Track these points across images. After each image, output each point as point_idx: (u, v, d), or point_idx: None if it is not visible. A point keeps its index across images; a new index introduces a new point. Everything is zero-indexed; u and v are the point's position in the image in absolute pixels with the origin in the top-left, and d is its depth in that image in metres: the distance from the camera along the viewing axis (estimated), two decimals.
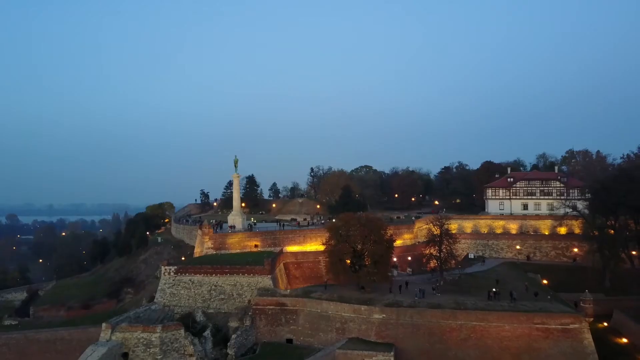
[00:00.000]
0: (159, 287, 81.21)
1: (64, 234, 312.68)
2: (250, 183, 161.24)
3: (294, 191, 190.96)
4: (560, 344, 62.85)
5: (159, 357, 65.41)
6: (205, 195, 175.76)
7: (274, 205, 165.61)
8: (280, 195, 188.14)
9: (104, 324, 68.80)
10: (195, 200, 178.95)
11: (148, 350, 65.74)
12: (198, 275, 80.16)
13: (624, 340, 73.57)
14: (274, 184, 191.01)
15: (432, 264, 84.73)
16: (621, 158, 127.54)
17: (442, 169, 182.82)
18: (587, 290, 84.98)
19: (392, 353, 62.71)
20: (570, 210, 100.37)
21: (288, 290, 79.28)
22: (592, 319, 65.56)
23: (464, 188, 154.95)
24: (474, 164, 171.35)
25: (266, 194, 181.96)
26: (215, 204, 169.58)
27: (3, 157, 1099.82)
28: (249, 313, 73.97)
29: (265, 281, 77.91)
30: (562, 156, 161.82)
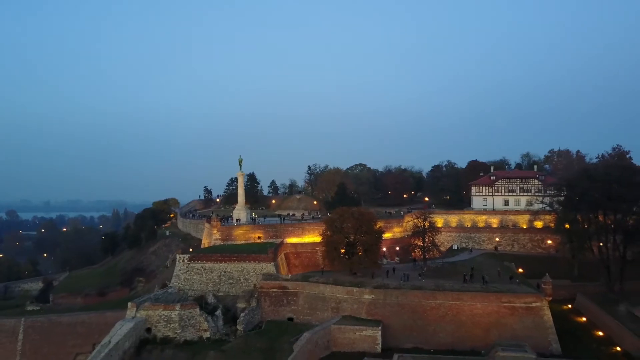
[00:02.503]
0: (174, 273, 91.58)
1: (65, 229, 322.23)
2: (251, 180, 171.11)
3: (292, 188, 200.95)
4: (524, 320, 73.58)
5: (178, 331, 76.04)
6: (208, 191, 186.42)
7: (273, 201, 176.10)
8: (278, 191, 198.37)
9: (129, 303, 79.21)
10: (199, 196, 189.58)
11: (168, 325, 76.36)
12: (209, 262, 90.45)
13: (583, 319, 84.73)
14: (273, 181, 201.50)
15: (417, 253, 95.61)
16: (597, 158, 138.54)
17: (433, 167, 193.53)
18: (558, 277, 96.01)
19: (380, 328, 73.09)
20: (545, 205, 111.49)
21: (289, 276, 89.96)
22: (550, 298, 76.02)
23: (452, 185, 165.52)
24: (462, 162, 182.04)
25: (266, 191, 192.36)
26: (218, 200, 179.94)
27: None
28: (255, 295, 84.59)
29: (269, 267, 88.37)
30: (544, 155, 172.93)
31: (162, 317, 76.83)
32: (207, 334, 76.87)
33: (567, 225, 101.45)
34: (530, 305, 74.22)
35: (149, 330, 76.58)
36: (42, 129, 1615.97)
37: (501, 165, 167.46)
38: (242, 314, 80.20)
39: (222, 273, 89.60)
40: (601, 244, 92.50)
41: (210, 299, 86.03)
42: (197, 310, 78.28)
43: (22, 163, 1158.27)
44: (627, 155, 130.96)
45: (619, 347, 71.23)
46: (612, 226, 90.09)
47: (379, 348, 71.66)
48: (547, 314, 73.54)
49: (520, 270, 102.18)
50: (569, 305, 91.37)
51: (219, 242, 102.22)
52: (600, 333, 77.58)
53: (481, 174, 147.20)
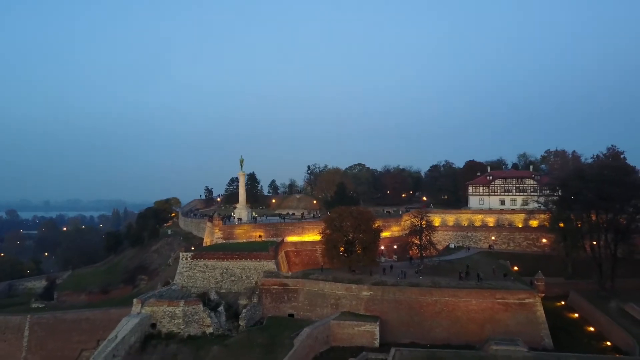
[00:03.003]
0: (178, 271, 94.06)
1: (65, 228, 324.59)
2: (251, 180, 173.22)
3: (291, 188, 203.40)
4: (517, 315, 75.83)
5: (182, 326, 78.37)
6: (209, 191, 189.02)
7: (273, 200, 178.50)
8: (278, 191, 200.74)
9: (135, 300, 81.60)
10: (200, 196, 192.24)
11: (173, 321, 78.67)
12: (211, 260, 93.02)
13: (576, 315, 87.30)
14: (273, 181, 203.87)
15: (415, 251, 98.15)
16: (592, 158, 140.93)
17: (431, 167, 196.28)
18: (552, 275, 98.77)
19: (377, 323, 75.38)
20: (540, 205, 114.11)
21: (289, 273, 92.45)
22: (543, 295, 78.45)
23: (450, 185, 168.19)
24: (460, 162, 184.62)
25: (266, 190, 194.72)
26: (218, 199, 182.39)
27: None
28: (256, 292, 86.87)
29: (270, 265, 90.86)
30: (541, 155, 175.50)
31: (167, 313, 79.13)
32: (210, 330, 79.14)
33: (561, 224, 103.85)
34: (523, 301, 76.52)
35: (153, 325, 78.85)
36: (40, 130, 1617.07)
37: (498, 165, 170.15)
38: (244, 310, 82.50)
39: (224, 270, 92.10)
40: (594, 243, 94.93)
41: (213, 296, 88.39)
42: (201, 306, 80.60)
43: (21, 163, 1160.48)
44: (622, 156, 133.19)
45: (609, 342, 73.76)
46: (604, 225, 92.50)
47: (377, 343, 73.89)
48: (540, 310, 75.80)
49: (516, 268, 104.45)
50: (562, 302, 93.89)
51: (220, 241, 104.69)
52: (592, 328, 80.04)
53: (478, 174, 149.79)
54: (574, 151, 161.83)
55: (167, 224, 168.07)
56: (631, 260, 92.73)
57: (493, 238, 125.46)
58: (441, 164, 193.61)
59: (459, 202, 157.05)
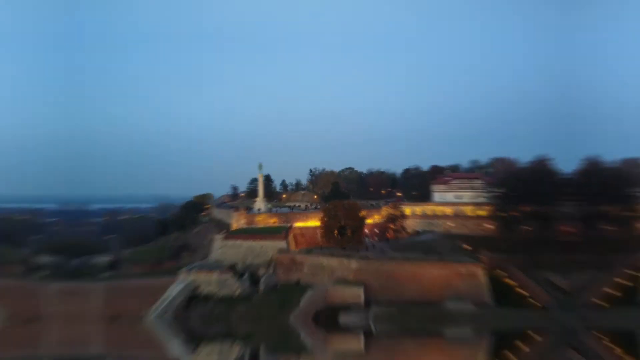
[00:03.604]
0: (213, 249, 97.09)
1: (124, 217, 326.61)
2: (267, 180, 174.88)
3: (297, 186, 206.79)
4: (467, 282, 79.25)
5: (217, 290, 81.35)
6: (234, 188, 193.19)
7: (283, 195, 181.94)
8: (287, 188, 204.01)
9: (182, 270, 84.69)
10: (228, 192, 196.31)
11: (210, 286, 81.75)
12: (239, 240, 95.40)
13: (512, 282, 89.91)
14: (283, 181, 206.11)
15: (391, 234, 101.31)
16: (527, 163, 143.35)
17: (404, 170, 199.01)
18: (495, 252, 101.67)
19: (362, 288, 78.71)
20: (486, 199, 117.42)
21: (297, 250, 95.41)
22: (487, 267, 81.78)
23: (419, 184, 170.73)
24: (426, 166, 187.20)
25: (278, 188, 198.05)
26: (242, 195, 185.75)
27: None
28: (272, 264, 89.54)
29: (282, 244, 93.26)
30: (489, 160, 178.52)
31: (206, 280, 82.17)
32: (238, 292, 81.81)
33: (502, 214, 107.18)
34: (471, 271, 79.92)
35: (195, 289, 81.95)
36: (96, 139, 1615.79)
37: (455, 168, 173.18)
38: (262, 278, 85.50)
39: (248, 248, 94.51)
40: (526, 227, 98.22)
41: (240, 267, 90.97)
42: (231, 275, 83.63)
43: (87, 164, 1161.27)
44: (549, 162, 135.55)
45: (536, 301, 77.16)
46: (533, 214, 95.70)
47: (362, 302, 77.40)
48: (484, 278, 79.27)
49: (468, 246, 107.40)
50: (502, 272, 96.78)
51: (245, 226, 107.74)
52: (524, 292, 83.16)
53: (440, 175, 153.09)
54: (516, 158, 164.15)
55: (204, 214, 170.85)
56: (554, 241, 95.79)
57: (451, 224, 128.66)
58: (412, 168, 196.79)
59: (426, 197, 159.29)
